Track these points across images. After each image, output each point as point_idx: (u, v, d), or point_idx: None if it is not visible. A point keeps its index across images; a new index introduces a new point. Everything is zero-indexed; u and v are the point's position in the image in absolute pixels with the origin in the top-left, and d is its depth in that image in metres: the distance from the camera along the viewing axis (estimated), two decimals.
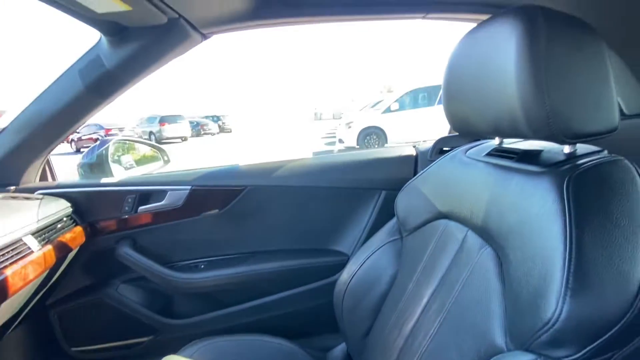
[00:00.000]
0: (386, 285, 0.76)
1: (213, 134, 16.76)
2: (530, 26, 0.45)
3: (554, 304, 0.38)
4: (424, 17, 0.80)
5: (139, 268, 1.02)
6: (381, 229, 0.86)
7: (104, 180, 1.05)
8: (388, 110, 7.04)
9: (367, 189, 1.08)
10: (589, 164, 0.48)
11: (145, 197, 1.03)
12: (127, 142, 1.37)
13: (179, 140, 14.02)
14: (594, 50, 0.46)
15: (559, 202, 0.43)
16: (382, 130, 7.00)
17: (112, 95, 0.84)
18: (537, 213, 0.45)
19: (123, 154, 1.28)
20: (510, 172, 0.55)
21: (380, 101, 7.98)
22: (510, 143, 0.65)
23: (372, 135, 7.04)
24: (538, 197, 0.47)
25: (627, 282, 0.39)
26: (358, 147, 7.02)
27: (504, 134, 0.58)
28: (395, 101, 7.08)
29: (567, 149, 0.51)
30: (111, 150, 1.16)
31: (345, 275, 0.81)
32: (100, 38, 0.80)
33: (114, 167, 1.14)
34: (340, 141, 7.41)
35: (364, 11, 0.82)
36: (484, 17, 0.82)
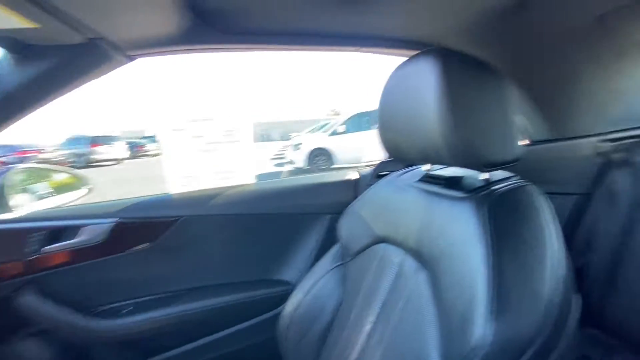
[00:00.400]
0: (331, 315, 0.74)
1: (152, 156, 15.66)
2: (447, 67, 0.50)
3: (481, 328, 0.39)
4: (357, 50, 0.85)
5: (44, 319, 0.86)
6: (325, 254, 0.85)
7: (1, 216, 0.88)
8: (335, 132, 7.32)
9: (311, 214, 1.07)
10: (502, 189, 0.53)
11: (56, 234, 0.89)
12: (38, 168, 1.19)
13: (113, 162, 12.81)
14: (496, 89, 0.52)
15: (480, 227, 0.47)
16: (329, 151, 7.22)
17: (9, 120, 0.71)
18: (462, 238, 0.49)
19: (33, 183, 1.11)
20: (438, 197, 0.60)
21: (327, 124, 8.27)
22: (438, 169, 0.70)
23: (321, 156, 7.22)
24: (462, 222, 0.50)
25: (540, 302, 0.42)
26: (308, 167, 7.12)
27: (431, 161, 0.62)
28: (341, 124, 7.40)
29: (484, 175, 0.57)
30: (15, 178, 0.99)
31: (289, 306, 0.78)
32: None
33: (18, 198, 0.97)
34: (291, 162, 7.48)
35: (300, 42, 0.84)
36: (413, 52, 0.90)
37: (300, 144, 7.43)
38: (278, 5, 0.69)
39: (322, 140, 7.35)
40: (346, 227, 0.81)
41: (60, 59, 0.67)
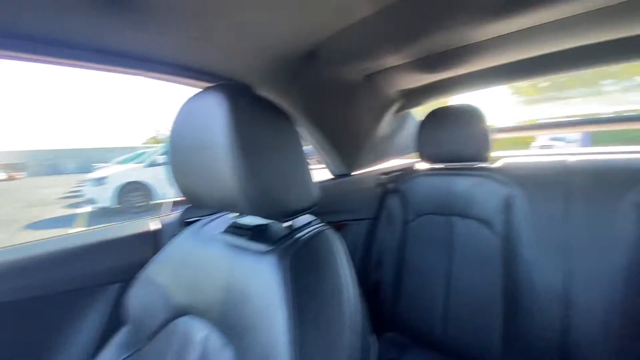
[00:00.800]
0: None
1: None
2: (239, 107, 0.43)
3: None
4: (145, 75, 0.70)
5: None
6: (110, 342, 0.63)
7: None
8: (154, 163, 6.34)
9: (93, 286, 0.78)
10: (305, 237, 0.51)
11: None
12: None
13: None
14: (290, 134, 0.50)
15: (282, 286, 0.42)
16: (148, 185, 6.16)
17: None
18: (265, 303, 0.43)
19: None
20: (242, 252, 0.52)
21: (144, 152, 7.10)
22: (245, 216, 0.63)
23: (136, 191, 6.04)
24: (265, 281, 0.45)
25: (341, 355, 0.41)
26: (118, 206, 5.79)
27: (232, 210, 0.54)
28: (162, 153, 6.48)
29: (286, 223, 0.54)
30: None
31: None
32: None
33: None
34: (90, 202, 5.82)
35: (68, 54, 0.63)
36: (205, 84, 0.83)
37: (106, 177, 5.95)
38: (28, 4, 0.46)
39: (137, 173, 6.19)
40: (139, 300, 0.62)
41: None
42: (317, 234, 0.52)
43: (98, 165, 8.75)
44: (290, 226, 0.55)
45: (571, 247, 0.89)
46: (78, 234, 0.82)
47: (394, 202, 1.24)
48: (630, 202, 0.82)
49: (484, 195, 1.04)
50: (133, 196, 6.00)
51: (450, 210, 1.10)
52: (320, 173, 1.33)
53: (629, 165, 0.88)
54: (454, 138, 1.09)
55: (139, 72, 0.70)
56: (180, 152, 0.52)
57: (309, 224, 0.56)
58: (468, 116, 1.05)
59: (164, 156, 6.47)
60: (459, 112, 1.08)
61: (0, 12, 0.51)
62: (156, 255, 0.65)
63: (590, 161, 0.95)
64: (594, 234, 0.87)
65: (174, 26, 0.61)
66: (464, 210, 1.08)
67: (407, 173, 1.28)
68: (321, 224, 0.56)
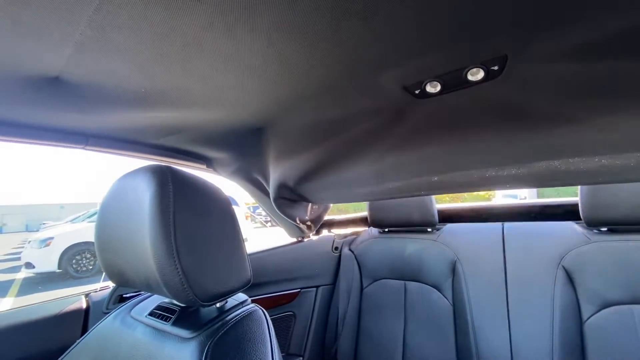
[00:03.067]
0: None
1: None
2: (162, 189, 0.44)
3: None
4: (83, 148, 0.70)
5: None
6: None
7: None
8: None
9: None
10: (232, 320, 0.49)
11: None
12: None
13: None
14: (222, 211, 0.51)
15: None
16: None
17: None
18: None
19: None
20: (166, 338, 0.49)
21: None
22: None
23: (85, 253, 5.48)
24: None
25: None
26: (60, 271, 5.18)
27: (157, 293, 0.51)
28: None
29: (218, 304, 0.52)
30: None
31: None
32: None
33: None
34: (29, 266, 5.15)
35: (18, 134, 0.62)
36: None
37: (51, 238, 5.36)
38: None
39: (89, 232, 5.68)
40: None
41: None
42: (246, 317, 0.50)
43: (47, 224, 8.02)
44: (221, 307, 0.53)
45: (513, 312, 0.92)
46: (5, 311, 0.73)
47: (349, 267, 1.23)
48: (561, 268, 0.89)
49: (432, 259, 1.07)
50: (81, 259, 5.42)
51: (403, 274, 1.12)
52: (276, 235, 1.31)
53: (561, 232, 0.96)
54: (403, 203, 1.16)
55: (85, 147, 0.71)
56: (107, 229, 0.51)
57: (241, 304, 0.54)
58: None
59: None
60: None
61: None
62: (79, 340, 0.59)
63: (525, 226, 1.03)
64: (530, 299, 0.91)
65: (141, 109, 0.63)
66: (416, 274, 1.10)
67: (361, 237, 1.30)
68: (252, 305, 0.54)
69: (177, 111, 0.63)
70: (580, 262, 0.87)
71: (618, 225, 0.86)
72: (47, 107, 0.57)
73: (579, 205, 0.90)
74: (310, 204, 1.17)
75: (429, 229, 1.16)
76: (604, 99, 0.48)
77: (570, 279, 0.88)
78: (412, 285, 1.10)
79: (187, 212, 0.45)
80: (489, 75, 0.50)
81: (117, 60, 0.44)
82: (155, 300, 0.62)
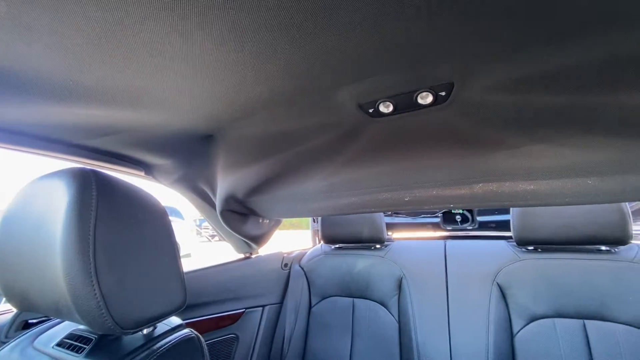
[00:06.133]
0: None
1: None
2: (81, 196, 0.38)
3: None
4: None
5: None
6: None
7: None
8: None
9: None
10: (161, 350, 0.43)
11: None
12: None
13: None
14: (155, 223, 0.46)
15: None
16: None
17: None
18: None
19: None
20: None
21: None
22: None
23: None
24: None
25: None
26: None
27: (69, 320, 0.43)
28: None
29: (146, 330, 0.45)
30: None
31: None
32: None
33: None
34: None
35: None
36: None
37: None
38: None
39: None
40: None
41: None
42: (177, 345, 0.44)
43: None
44: (148, 334, 0.46)
45: (453, 328, 0.96)
46: None
47: (298, 285, 1.20)
48: (495, 285, 0.95)
49: (380, 276, 1.09)
50: None
51: (351, 291, 1.12)
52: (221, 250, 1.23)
53: (495, 250, 1.04)
54: (354, 220, 1.17)
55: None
56: (8, 243, 0.43)
57: (172, 330, 0.48)
58: None
59: None
60: None
61: None
62: None
63: (464, 244, 1.10)
64: (469, 314, 0.96)
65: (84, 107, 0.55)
66: (364, 291, 1.10)
67: (311, 253, 1.28)
68: (186, 331, 0.48)
69: (113, 110, 0.56)
70: (511, 279, 0.95)
71: (543, 245, 0.96)
72: None
73: (511, 226, 0.99)
74: (260, 218, 1.12)
75: (378, 245, 1.18)
76: (535, 129, 0.53)
77: (503, 294, 0.95)
78: (359, 302, 1.09)
79: (112, 223, 0.39)
80: (436, 100, 0.53)
81: (37, 44, 0.38)
82: (67, 327, 0.52)
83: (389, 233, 1.41)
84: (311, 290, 1.18)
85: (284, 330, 1.14)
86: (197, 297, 0.99)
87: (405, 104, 0.55)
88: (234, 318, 1.09)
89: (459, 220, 1.41)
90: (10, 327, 0.67)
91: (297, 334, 1.12)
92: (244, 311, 1.12)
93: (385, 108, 0.57)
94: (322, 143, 0.72)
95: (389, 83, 0.50)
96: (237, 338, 1.09)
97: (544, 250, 0.97)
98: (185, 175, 0.92)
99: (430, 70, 0.47)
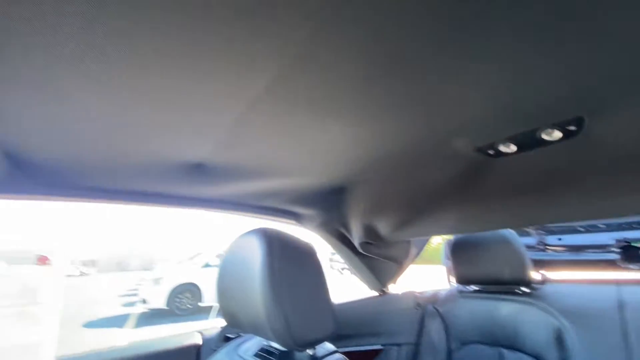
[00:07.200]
0: None
1: None
2: (269, 248, 0.55)
3: None
4: (218, 211, 0.91)
5: None
6: None
7: None
8: (207, 264, 6.53)
9: None
10: None
11: None
12: None
13: None
14: (313, 265, 0.60)
15: None
16: (198, 287, 6.24)
17: None
18: None
19: None
20: None
21: (199, 253, 7.42)
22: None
23: (186, 293, 6.16)
24: None
25: None
26: (167, 308, 5.90)
27: (261, 335, 0.60)
28: (217, 255, 6.60)
29: (309, 351, 0.58)
30: None
31: None
32: None
33: None
34: (144, 302, 6.03)
35: (144, 200, 0.85)
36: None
37: (162, 277, 6.21)
38: (114, 169, 0.70)
39: (190, 273, 6.37)
40: None
41: None
42: None
43: (157, 264, 9.37)
44: (313, 355, 0.59)
45: None
46: (122, 348, 0.91)
47: (434, 326, 1.17)
48: None
49: (531, 325, 0.95)
50: (182, 298, 6.08)
51: (497, 340, 1.01)
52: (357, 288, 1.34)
53: None
54: (490, 257, 1.08)
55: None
56: (225, 279, 0.64)
57: (330, 354, 0.59)
58: (501, 238, 1.07)
59: (219, 258, 6.70)
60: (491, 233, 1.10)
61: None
62: None
63: None
64: None
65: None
66: (512, 341, 0.98)
67: (446, 294, 1.24)
68: (340, 356, 0.59)
69: (278, 179, 0.78)
70: None
71: None
72: (193, 183, 0.77)
73: None
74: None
75: (524, 289, 1.04)
76: None
77: None
78: (509, 354, 0.98)
79: (288, 266, 0.55)
80: (565, 135, 0.51)
81: (252, 154, 0.61)
82: (256, 342, 0.71)
83: (541, 272, 1.22)
84: (449, 333, 1.13)
85: None
86: (340, 329, 1.11)
87: (529, 143, 0.56)
88: (372, 355, 1.15)
89: None
90: (218, 339, 0.94)
91: None
92: (382, 349, 1.16)
93: (506, 148, 0.58)
94: (445, 185, 0.76)
95: (506, 124, 0.53)
96: None
97: None
98: (325, 221, 1.10)
99: (555, 107, 0.47)
